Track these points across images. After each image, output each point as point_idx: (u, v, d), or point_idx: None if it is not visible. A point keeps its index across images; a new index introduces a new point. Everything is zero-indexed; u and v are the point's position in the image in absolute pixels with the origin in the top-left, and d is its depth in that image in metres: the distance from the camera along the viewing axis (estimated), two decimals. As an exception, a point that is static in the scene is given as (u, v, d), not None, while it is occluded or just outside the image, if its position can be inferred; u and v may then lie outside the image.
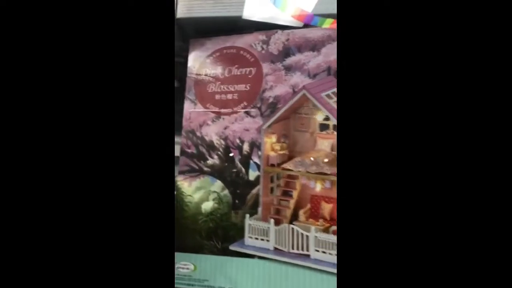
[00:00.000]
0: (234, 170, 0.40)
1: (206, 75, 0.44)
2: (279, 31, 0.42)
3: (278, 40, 0.42)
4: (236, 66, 0.43)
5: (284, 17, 0.42)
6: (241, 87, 0.42)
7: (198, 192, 0.41)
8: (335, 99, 0.38)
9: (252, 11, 0.43)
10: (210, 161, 0.42)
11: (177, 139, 0.45)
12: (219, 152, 0.42)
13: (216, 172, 0.41)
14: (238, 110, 0.42)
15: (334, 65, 0.39)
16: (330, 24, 0.41)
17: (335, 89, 0.39)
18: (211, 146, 0.42)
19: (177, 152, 0.43)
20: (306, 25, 0.42)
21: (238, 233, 0.39)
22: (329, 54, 0.40)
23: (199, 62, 0.45)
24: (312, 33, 0.41)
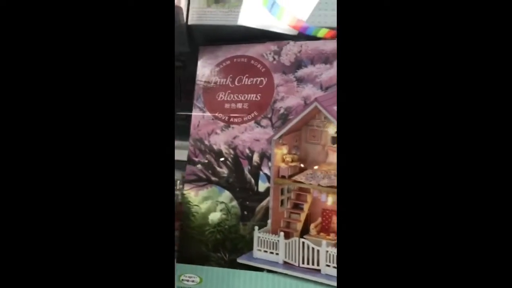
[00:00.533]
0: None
1: (215, 83, 0.43)
2: (291, 42, 0.42)
3: (290, 51, 0.42)
4: (247, 75, 0.43)
5: (280, 25, 0.42)
6: (252, 96, 0.42)
7: (205, 202, 0.40)
8: (347, 112, 0.38)
9: (248, 18, 0.43)
10: (218, 171, 0.41)
11: (180, 143, 0.44)
12: (228, 162, 0.41)
13: (224, 182, 0.40)
14: (249, 119, 0.41)
15: (346, 79, 0.40)
16: (325, 34, 0.41)
17: (347, 103, 0.39)
18: (219, 156, 0.41)
19: (183, 157, 0.42)
20: (301, 34, 0.42)
21: (246, 245, 0.38)
22: (342, 67, 0.40)
23: (209, 70, 0.44)
24: (325, 46, 0.41)
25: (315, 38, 0.42)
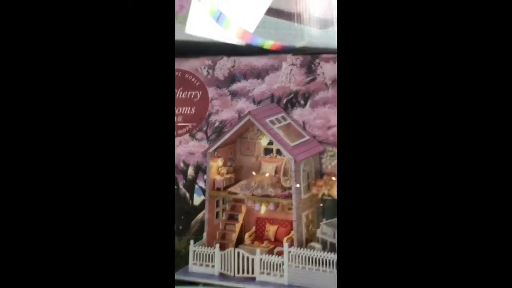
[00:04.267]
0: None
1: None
2: (225, 58, 0.43)
3: (223, 66, 0.43)
4: (181, 88, 0.43)
5: (227, 35, 0.43)
6: (186, 109, 0.42)
7: (138, 219, 0.39)
8: (278, 125, 0.40)
9: (195, 27, 0.43)
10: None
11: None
12: (163, 176, 0.40)
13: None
14: (183, 132, 0.41)
15: (277, 93, 0.42)
16: (270, 46, 0.43)
17: (278, 116, 0.41)
18: (153, 170, 0.40)
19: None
20: (248, 45, 0.43)
21: (182, 260, 0.38)
22: (272, 82, 0.42)
23: (142, 83, 0.43)
24: (257, 62, 0.43)
25: (261, 49, 0.43)
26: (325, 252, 0.35)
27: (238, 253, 0.37)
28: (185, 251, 0.38)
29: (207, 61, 0.43)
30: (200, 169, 0.40)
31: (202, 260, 0.37)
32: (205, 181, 0.40)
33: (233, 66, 0.43)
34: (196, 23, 0.43)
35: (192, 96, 0.43)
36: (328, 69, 0.44)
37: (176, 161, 0.40)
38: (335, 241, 0.36)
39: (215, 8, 0.44)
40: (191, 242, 0.38)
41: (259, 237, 0.40)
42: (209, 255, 0.37)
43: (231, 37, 0.43)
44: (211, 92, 0.42)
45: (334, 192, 0.37)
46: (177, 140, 0.41)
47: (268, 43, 0.43)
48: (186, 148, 0.41)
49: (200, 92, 0.43)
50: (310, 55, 0.44)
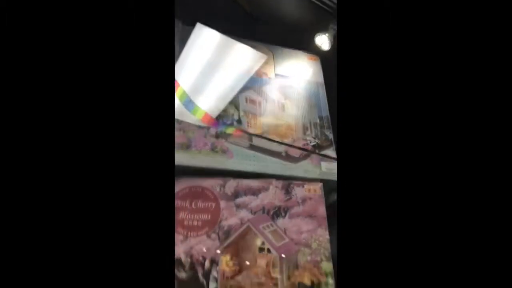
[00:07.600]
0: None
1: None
2: (231, 179, 0.63)
3: (231, 185, 0.63)
4: (201, 200, 0.61)
5: (194, 119, 0.60)
6: (204, 216, 0.59)
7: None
8: (268, 230, 0.59)
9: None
10: (177, 275, 0.54)
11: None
12: (186, 268, 0.55)
13: (182, 287, 0.53)
14: (202, 234, 0.58)
15: (267, 206, 0.62)
16: (233, 131, 0.61)
17: (268, 223, 0.60)
18: (179, 263, 0.55)
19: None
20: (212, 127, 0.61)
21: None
22: (264, 198, 0.63)
23: (171, 194, 0.60)
24: (253, 183, 0.64)
25: (224, 133, 0.60)
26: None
27: (242, 328, 0.51)
28: (202, 328, 0.51)
29: (220, 181, 0.63)
30: (214, 262, 0.56)
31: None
32: (217, 272, 0.55)
33: (237, 185, 0.63)
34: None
35: (209, 206, 0.60)
36: (299, 191, 0.66)
37: (196, 255, 0.56)
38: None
39: (185, 94, 0.57)
40: (207, 320, 0.51)
41: (256, 316, 0.55)
42: (221, 331, 0.51)
43: (196, 121, 0.58)
44: (222, 203, 0.61)
45: (306, 280, 0.55)
46: (197, 239, 0.57)
47: (230, 129, 0.61)
48: (204, 245, 0.57)
49: (214, 203, 0.61)
50: (287, 181, 0.66)
